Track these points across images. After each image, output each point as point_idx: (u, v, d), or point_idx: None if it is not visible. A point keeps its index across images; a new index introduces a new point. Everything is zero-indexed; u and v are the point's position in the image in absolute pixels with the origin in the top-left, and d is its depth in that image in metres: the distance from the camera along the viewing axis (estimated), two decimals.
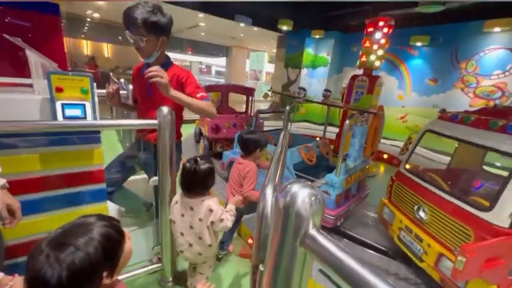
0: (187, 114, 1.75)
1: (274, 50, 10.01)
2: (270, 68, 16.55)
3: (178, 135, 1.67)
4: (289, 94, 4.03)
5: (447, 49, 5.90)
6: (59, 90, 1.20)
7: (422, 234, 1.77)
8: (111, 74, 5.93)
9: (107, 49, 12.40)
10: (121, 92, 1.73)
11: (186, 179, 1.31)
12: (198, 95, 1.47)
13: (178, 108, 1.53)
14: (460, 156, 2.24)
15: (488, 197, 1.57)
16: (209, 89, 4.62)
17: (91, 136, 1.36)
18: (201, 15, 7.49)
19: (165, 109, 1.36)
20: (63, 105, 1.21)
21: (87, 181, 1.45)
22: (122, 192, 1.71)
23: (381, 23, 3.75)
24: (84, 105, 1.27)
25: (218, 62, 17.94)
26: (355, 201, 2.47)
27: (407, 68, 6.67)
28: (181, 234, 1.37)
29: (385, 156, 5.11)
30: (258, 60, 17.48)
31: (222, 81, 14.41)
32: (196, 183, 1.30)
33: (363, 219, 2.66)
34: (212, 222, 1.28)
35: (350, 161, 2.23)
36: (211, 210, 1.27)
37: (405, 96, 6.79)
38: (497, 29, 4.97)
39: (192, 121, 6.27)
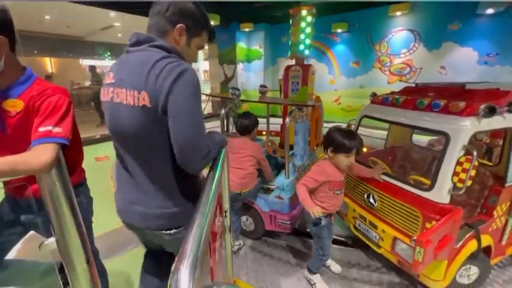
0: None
1: (207, 47, 9.55)
2: (206, 65, 15.91)
3: (79, 174, 1.24)
4: (223, 96, 3.78)
5: (363, 33, 6.47)
6: None
7: (376, 221, 1.77)
8: None
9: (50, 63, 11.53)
10: None
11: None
12: (41, 129, 0.88)
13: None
14: (394, 134, 2.36)
15: (428, 175, 1.63)
16: None
17: None
18: (112, 14, 6.52)
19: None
20: None
21: None
22: (5, 271, 1.20)
23: (304, 12, 3.79)
24: None
25: None
26: None
27: (334, 53, 7.12)
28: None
29: None
30: None
31: None
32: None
33: None
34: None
35: (297, 160, 2.12)
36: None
37: (336, 80, 7.27)
38: (398, 13, 5.62)
39: None
